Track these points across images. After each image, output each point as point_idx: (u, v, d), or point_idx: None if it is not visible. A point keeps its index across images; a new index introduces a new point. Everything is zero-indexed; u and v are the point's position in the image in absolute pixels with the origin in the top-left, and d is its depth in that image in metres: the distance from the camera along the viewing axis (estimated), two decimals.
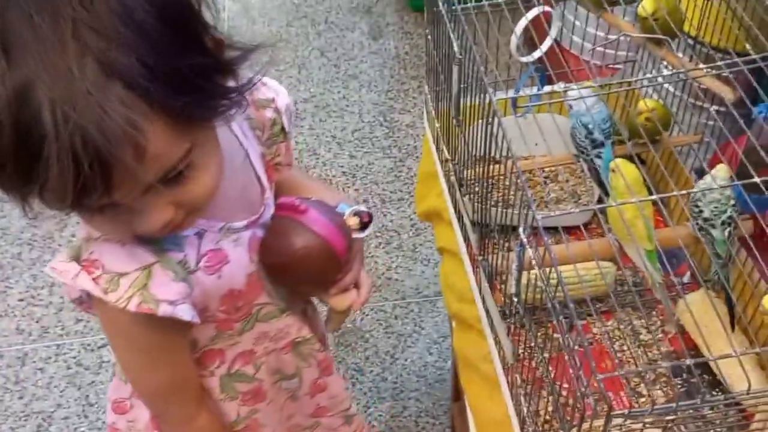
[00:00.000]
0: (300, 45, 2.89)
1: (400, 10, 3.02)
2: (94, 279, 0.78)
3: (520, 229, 0.86)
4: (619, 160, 0.95)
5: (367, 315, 2.05)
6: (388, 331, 2.01)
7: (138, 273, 0.79)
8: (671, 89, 1.46)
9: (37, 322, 2.05)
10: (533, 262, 0.83)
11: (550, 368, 0.93)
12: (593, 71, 1.25)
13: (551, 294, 0.79)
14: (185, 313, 0.83)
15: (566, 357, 0.76)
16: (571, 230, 1.35)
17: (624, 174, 0.89)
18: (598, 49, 1.86)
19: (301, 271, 0.93)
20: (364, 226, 0.98)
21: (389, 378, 1.92)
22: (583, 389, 0.73)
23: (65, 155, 0.58)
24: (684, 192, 0.84)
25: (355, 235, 0.97)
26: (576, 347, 0.76)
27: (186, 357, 0.93)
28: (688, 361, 0.80)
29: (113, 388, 1.04)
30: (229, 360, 0.97)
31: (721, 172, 0.99)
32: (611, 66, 1.72)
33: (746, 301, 1.11)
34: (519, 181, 0.87)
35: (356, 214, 0.98)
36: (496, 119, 0.94)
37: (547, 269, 0.82)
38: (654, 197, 0.82)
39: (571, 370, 0.75)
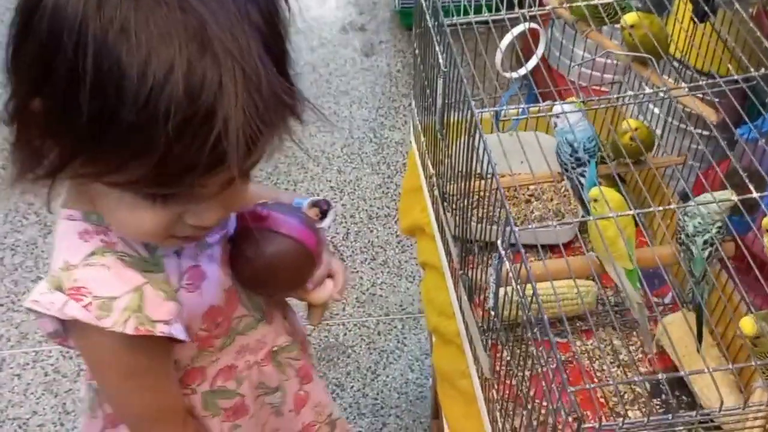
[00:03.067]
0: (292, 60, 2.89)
1: (393, 29, 3.04)
2: (84, 306, 0.76)
3: (498, 242, 0.86)
4: (602, 188, 0.94)
5: (350, 330, 2.04)
6: (370, 347, 2.00)
7: (130, 295, 0.78)
8: (656, 111, 1.46)
9: (16, 327, 2.03)
10: (510, 276, 0.83)
11: (530, 384, 0.92)
12: (579, 90, 1.25)
13: (527, 308, 0.79)
14: (180, 332, 0.82)
15: (539, 371, 0.75)
16: (555, 248, 1.35)
17: (607, 199, 0.89)
18: (585, 70, 1.88)
19: (279, 276, 0.93)
20: (323, 214, 0.98)
21: (370, 394, 1.90)
22: (555, 404, 0.72)
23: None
24: (661, 209, 0.84)
25: (317, 226, 0.97)
26: (550, 361, 0.75)
27: (172, 380, 0.91)
28: (660, 376, 0.80)
29: (83, 426, 1.02)
30: (210, 377, 0.96)
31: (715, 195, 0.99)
32: (599, 88, 1.73)
33: (726, 323, 1.11)
34: (498, 196, 0.87)
35: (314, 204, 0.99)
36: (478, 134, 0.94)
37: (525, 284, 0.81)
38: (632, 212, 0.82)
39: (544, 385, 0.75)
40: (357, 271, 2.18)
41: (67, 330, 0.82)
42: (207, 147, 0.63)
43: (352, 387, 1.91)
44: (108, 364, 0.84)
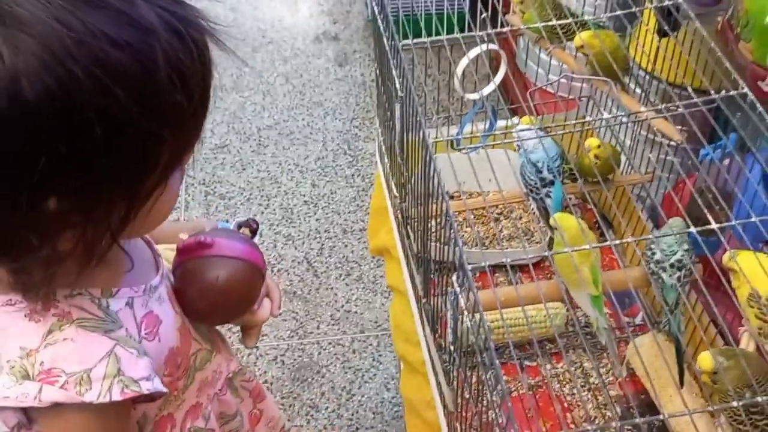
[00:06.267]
0: (265, 71, 2.86)
1: (366, 38, 3.01)
2: (61, 387, 0.72)
3: (453, 277, 0.83)
4: (559, 216, 0.92)
5: (324, 349, 2.00)
6: (345, 366, 1.97)
7: (105, 361, 0.74)
8: (624, 119, 1.44)
9: None
10: (465, 310, 0.80)
11: (498, 413, 0.89)
12: (544, 108, 1.23)
13: (481, 349, 0.76)
14: (161, 385, 0.79)
15: (493, 414, 0.73)
16: (524, 268, 1.32)
17: (563, 231, 0.87)
18: (558, 81, 1.85)
19: (236, 300, 0.92)
20: (253, 233, 1.00)
21: (345, 415, 1.87)
22: None
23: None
24: (618, 242, 0.82)
25: None
26: (500, 401, 0.73)
27: None
28: (638, 420, 0.77)
29: None
30: (179, 421, 0.93)
31: (676, 222, 0.97)
32: (572, 98, 1.70)
33: (696, 345, 1.09)
34: (452, 224, 0.84)
35: (243, 225, 0.99)
36: (432, 163, 0.92)
37: (478, 314, 0.78)
38: (587, 247, 0.79)
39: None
40: (331, 288, 2.15)
41: (31, 419, 0.77)
42: (208, 94, 0.68)
43: (326, 408, 1.88)
44: None
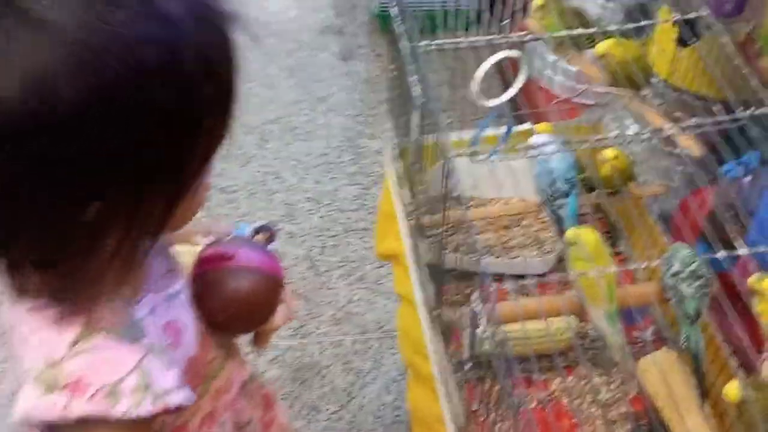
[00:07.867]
0: (269, 64, 2.83)
1: (371, 33, 2.98)
2: (90, 398, 0.70)
3: (474, 295, 0.81)
4: (578, 231, 0.90)
5: (325, 350, 1.98)
6: (346, 368, 1.95)
7: (135, 373, 0.72)
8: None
9: None
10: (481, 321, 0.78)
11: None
12: (559, 113, 1.21)
13: (501, 373, 0.74)
14: (189, 397, 0.76)
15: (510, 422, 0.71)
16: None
17: (585, 244, 0.84)
18: (570, 87, 1.84)
19: (258, 311, 0.91)
20: (271, 238, 0.99)
21: (345, 417, 1.85)
22: None
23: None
24: (643, 265, 0.80)
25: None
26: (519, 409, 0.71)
27: None
28: None
29: None
30: (194, 429, 0.90)
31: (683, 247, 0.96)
32: (585, 103, 1.68)
33: (717, 368, 1.07)
34: (471, 232, 0.82)
35: (259, 231, 0.99)
36: (448, 170, 0.90)
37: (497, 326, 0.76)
38: (613, 269, 0.77)
39: None
40: (332, 288, 2.12)
41: (53, 430, 0.74)
42: (237, 81, 0.68)
43: (327, 410, 1.86)
44: None
